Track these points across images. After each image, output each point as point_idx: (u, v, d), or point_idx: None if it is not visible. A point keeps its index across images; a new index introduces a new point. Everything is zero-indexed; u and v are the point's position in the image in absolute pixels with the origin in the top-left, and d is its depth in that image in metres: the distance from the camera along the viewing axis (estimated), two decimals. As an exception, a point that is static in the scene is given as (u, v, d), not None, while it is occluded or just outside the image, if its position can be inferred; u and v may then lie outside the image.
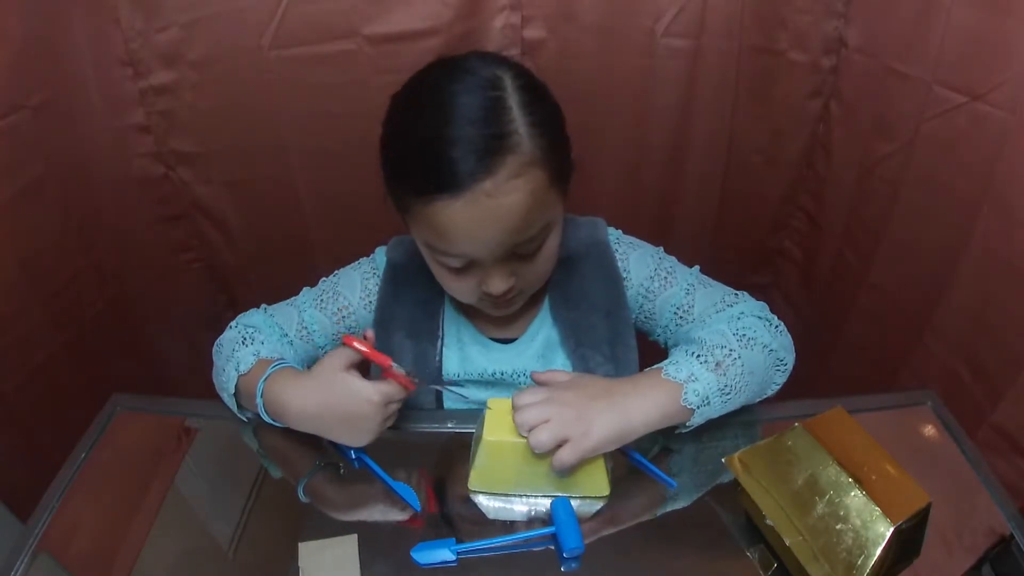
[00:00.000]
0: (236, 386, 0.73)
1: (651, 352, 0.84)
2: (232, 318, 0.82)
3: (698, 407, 0.67)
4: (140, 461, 0.73)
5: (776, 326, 0.75)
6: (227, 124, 1.04)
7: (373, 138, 1.08)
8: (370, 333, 0.70)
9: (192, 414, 0.79)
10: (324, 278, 0.84)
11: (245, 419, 0.76)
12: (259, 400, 0.70)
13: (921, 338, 1.05)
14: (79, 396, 0.99)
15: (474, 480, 0.68)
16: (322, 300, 0.81)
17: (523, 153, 0.61)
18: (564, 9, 1.01)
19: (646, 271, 0.80)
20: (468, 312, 0.81)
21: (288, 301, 0.83)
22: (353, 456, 0.71)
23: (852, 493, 0.59)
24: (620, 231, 0.84)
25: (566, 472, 0.66)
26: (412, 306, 0.80)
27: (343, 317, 0.81)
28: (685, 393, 0.66)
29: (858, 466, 0.61)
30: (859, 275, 1.15)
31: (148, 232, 1.12)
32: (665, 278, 0.79)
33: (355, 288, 0.81)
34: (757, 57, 1.07)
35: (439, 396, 0.82)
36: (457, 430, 0.76)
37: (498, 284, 0.68)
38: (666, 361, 0.70)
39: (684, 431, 0.70)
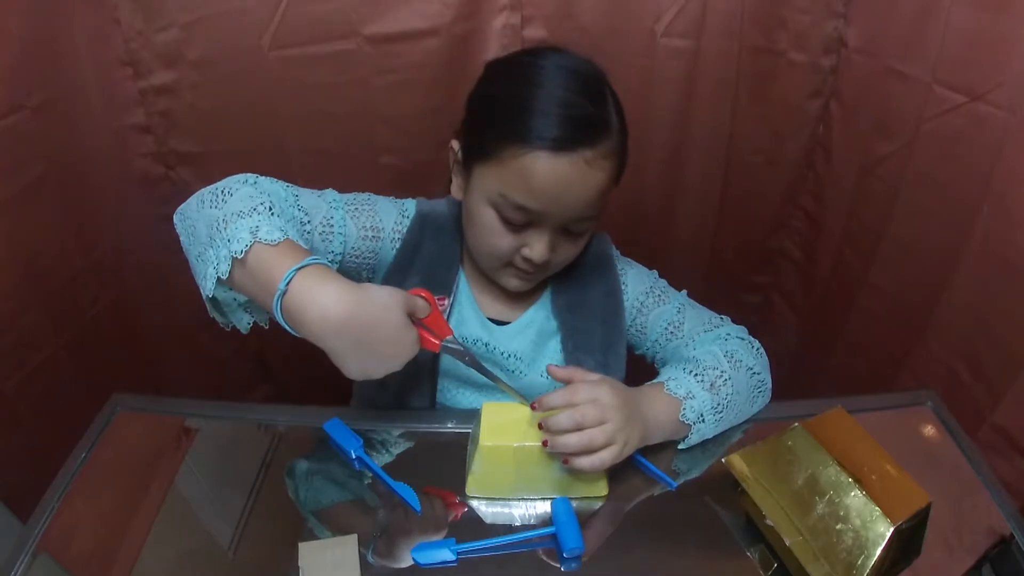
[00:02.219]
0: (244, 253, 0.60)
1: (637, 364, 0.86)
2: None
3: (694, 423, 0.72)
4: (140, 461, 0.73)
5: (757, 349, 0.81)
6: (227, 124, 1.04)
7: (373, 138, 1.09)
8: (446, 300, 0.72)
9: (192, 414, 0.79)
10: (358, 193, 0.81)
11: (208, 295, 0.63)
12: (282, 286, 0.58)
13: (921, 338, 1.05)
14: (79, 396, 0.98)
15: (471, 486, 0.68)
16: (356, 209, 0.78)
17: (614, 141, 0.70)
18: (564, 9, 1.01)
19: (643, 287, 0.85)
20: (475, 288, 0.83)
21: (314, 192, 0.76)
22: (353, 456, 0.71)
23: (852, 493, 0.59)
24: (618, 251, 0.88)
25: (566, 473, 0.66)
26: (433, 256, 0.81)
27: (371, 236, 0.78)
28: (683, 410, 0.71)
29: (858, 466, 0.61)
30: (859, 275, 1.15)
31: (148, 232, 1.11)
32: (659, 296, 0.84)
33: (391, 217, 0.81)
34: (757, 57, 1.07)
35: (432, 394, 0.83)
36: (457, 430, 0.76)
37: (542, 251, 0.72)
38: (666, 376, 0.74)
39: (682, 448, 0.74)
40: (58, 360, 1.00)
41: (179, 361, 1.25)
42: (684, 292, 0.86)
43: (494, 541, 0.64)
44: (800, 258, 1.31)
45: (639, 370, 0.85)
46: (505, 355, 0.81)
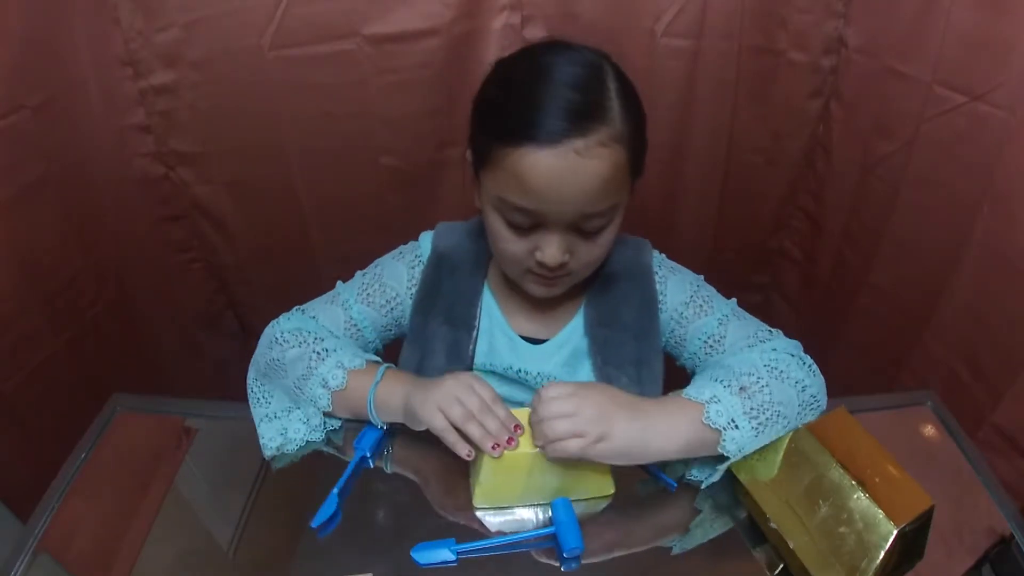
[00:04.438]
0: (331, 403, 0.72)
1: (676, 378, 0.82)
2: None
3: (724, 428, 0.64)
4: (140, 461, 0.73)
5: (810, 366, 0.73)
6: (227, 124, 1.04)
7: (373, 138, 1.09)
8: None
9: (192, 414, 0.79)
10: (361, 271, 0.83)
11: (331, 427, 0.75)
12: (371, 402, 0.71)
13: (921, 338, 1.05)
14: (79, 396, 0.99)
15: (479, 497, 0.67)
16: (368, 294, 0.80)
17: (614, 127, 0.66)
18: (564, 9, 1.01)
19: (682, 297, 0.80)
20: (504, 305, 0.82)
21: (326, 299, 0.81)
22: (368, 455, 0.71)
23: (855, 496, 0.59)
24: (664, 255, 0.84)
25: (573, 476, 0.66)
26: (452, 295, 0.80)
27: (392, 308, 0.81)
28: (707, 412, 0.64)
29: (861, 468, 0.60)
30: (859, 275, 1.15)
31: (148, 232, 1.12)
32: (700, 306, 0.79)
33: (402, 279, 0.81)
34: (757, 57, 1.07)
35: None
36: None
37: (554, 254, 0.68)
38: (690, 385, 0.69)
39: (719, 471, 0.67)
40: (58, 360, 1.00)
41: (179, 361, 1.25)
42: (733, 301, 0.80)
43: (494, 541, 0.64)
44: (800, 258, 1.31)
45: (679, 384, 0.82)
46: (538, 377, 0.80)
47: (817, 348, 0.78)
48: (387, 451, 0.73)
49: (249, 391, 0.77)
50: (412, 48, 1.00)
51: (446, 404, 0.65)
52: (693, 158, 1.16)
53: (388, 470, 0.71)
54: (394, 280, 0.81)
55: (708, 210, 1.23)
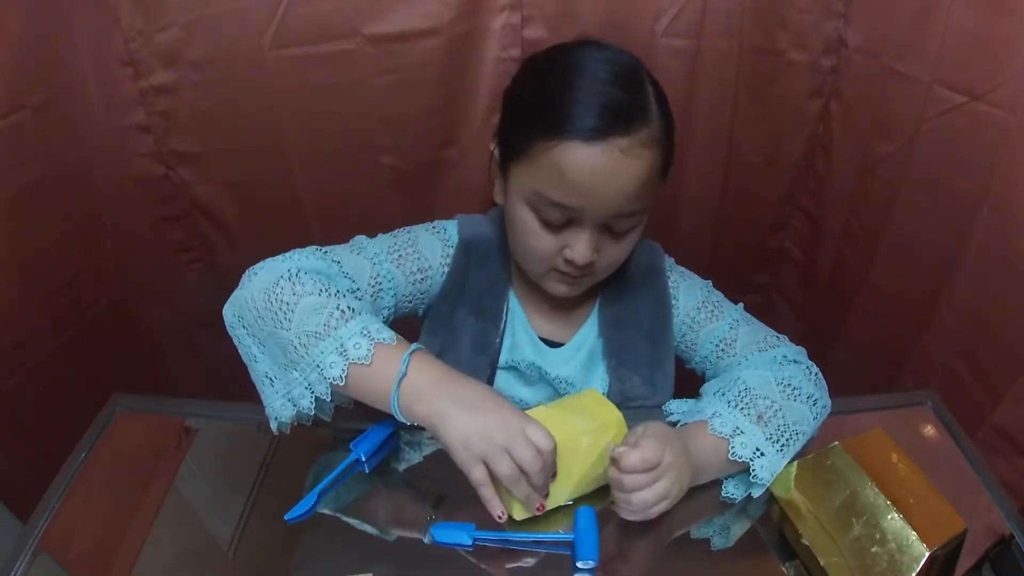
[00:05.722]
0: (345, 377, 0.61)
1: (685, 378, 0.84)
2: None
3: (752, 459, 0.66)
4: (140, 461, 0.73)
5: (816, 375, 0.75)
6: (227, 124, 1.04)
7: (373, 138, 1.09)
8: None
9: (192, 414, 0.79)
10: (393, 233, 0.79)
11: (309, 410, 0.65)
12: (395, 399, 0.62)
13: (921, 338, 1.05)
14: (79, 396, 0.98)
15: (519, 511, 0.63)
16: (400, 256, 0.76)
17: (654, 128, 0.67)
18: (564, 9, 1.02)
19: (694, 302, 0.81)
20: (526, 305, 0.81)
21: (351, 248, 0.75)
22: (364, 459, 0.71)
23: (889, 516, 0.59)
24: (672, 259, 0.85)
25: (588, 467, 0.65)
26: (480, 286, 0.79)
27: (420, 279, 0.77)
28: (732, 447, 0.66)
29: (896, 489, 0.60)
30: (859, 275, 1.15)
31: (148, 232, 1.12)
32: (712, 311, 0.80)
33: (436, 252, 0.78)
34: (757, 57, 1.07)
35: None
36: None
37: (585, 252, 0.68)
38: (711, 411, 0.69)
39: (759, 488, 0.67)
40: (58, 360, 1.00)
41: (179, 361, 1.25)
42: (740, 306, 0.82)
43: (512, 535, 0.64)
44: (800, 258, 1.31)
45: (689, 382, 0.83)
46: (558, 380, 0.80)
47: (817, 348, 0.78)
48: (391, 453, 0.73)
49: (236, 341, 0.69)
50: (412, 48, 1.00)
51: (493, 456, 0.59)
52: (693, 158, 1.16)
53: (386, 479, 0.71)
54: (428, 251, 0.77)
55: (708, 210, 1.23)
